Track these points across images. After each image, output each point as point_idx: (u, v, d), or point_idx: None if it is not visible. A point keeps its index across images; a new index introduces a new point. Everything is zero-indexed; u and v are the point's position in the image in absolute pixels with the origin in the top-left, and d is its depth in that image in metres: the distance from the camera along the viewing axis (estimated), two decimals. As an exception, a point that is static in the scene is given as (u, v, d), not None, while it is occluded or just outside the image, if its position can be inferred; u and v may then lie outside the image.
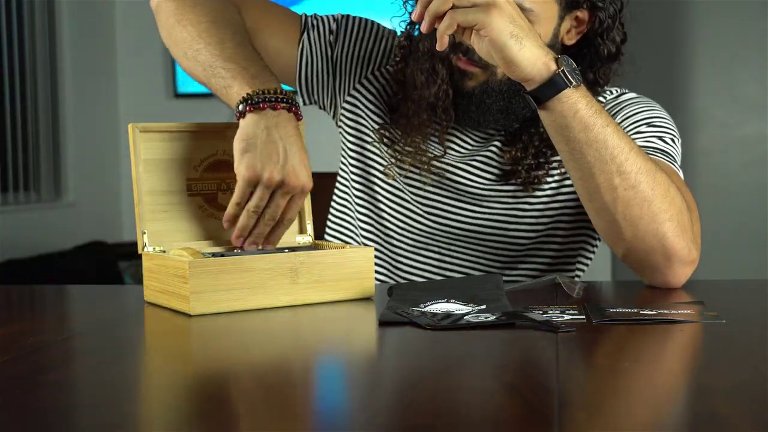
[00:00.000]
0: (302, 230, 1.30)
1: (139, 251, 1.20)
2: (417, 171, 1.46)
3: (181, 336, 1.05)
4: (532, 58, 1.16)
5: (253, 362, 0.91)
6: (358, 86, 1.52)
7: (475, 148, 1.47)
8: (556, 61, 1.17)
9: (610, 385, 0.79)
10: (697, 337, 0.97)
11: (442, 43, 1.16)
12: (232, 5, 1.43)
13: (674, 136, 1.43)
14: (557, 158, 1.43)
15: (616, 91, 1.51)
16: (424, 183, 1.46)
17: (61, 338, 1.03)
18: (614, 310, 1.06)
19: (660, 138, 1.41)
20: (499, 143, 1.46)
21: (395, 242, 1.49)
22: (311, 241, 1.29)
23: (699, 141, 4.69)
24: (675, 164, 1.39)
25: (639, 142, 1.36)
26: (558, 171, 1.45)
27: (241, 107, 1.21)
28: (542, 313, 1.04)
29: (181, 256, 1.14)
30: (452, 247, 1.47)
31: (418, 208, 1.47)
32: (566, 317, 1.02)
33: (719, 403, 0.71)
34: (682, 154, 1.45)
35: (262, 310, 1.12)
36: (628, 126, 1.42)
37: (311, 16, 1.52)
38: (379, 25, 1.55)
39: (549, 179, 1.45)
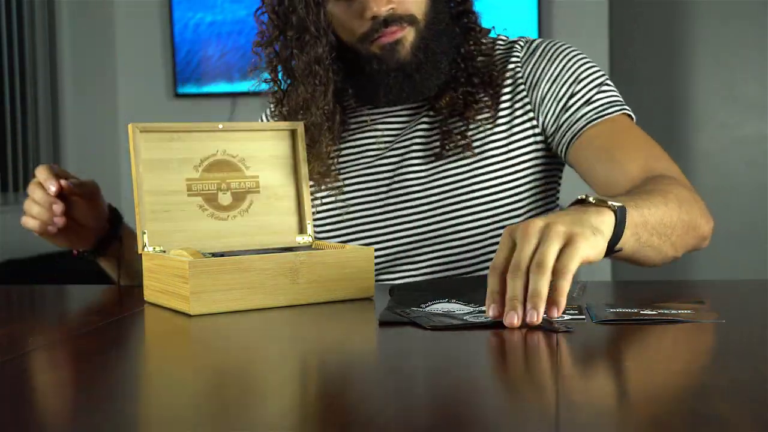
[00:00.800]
0: (302, 230, 1.30)
1: (139, 251, 1.20)
2: (360, 196, 1.47)
3: (181, 336, 1.05)
4: (605, 228, 1.06)
5: (253, 362, 0.91)
6: None
7: (404, 126, 1.48)
8: (609, 208, 1.09)
9: (610, 385, 0.79)
10: (697, 337, 0.97)
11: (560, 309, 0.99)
12: None
13: (605, 77, 1.46)
14: (487, 100, 1.45)
15: (525, 42, 1.51)
16: (372, 202, 1.46)
17: (61, 338, 1.03)
18: (614, 310, 1.06)
19: (599, 90, 1.43)
20: (427, 118, 1.47)
21: None
22: (311, 241, 1.30)
23: (699, 141, 4.69)
24: (626, 109, 1.42)
25: (584, 107, 1.40)
26: (503, 127, 1.46)
27: None
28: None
29: (181, 256, 1.14)
30: (422, 257, 1.46)
31: (374, 236, 1.47)
32: (566, 317, 1.02)
33: (719, 403, 0.71)
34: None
35: (262, 310, 1.12)
36: (560, 90, 1.43)
37: None
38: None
39: (496, 137, 1.45)
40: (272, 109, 1.53)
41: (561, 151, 1.45)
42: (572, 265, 0.98)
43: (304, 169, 1.30)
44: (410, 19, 1.38)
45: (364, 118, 1.50)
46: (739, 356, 0.88)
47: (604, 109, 1.41)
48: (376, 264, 1.47)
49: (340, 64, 1.43)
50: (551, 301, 0.97)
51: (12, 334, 1.06)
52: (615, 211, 1.08)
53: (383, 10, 1.35)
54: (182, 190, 1.24)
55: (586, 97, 1.42)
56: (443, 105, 1.44)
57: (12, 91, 3.99)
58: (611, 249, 1.08)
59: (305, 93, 1.42)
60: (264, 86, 1.51)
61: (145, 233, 1.20)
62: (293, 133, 1.31)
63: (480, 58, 1.47)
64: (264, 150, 1.29)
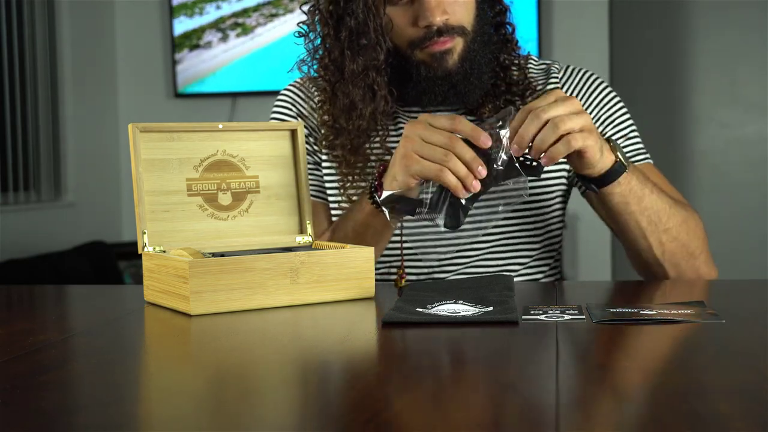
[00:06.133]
0: (302, 230, 1.30)
1: (139, 251, 1.20)
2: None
3: (181, 336, 1.05)
4: (606, 158, 1.25)
5: (253, 362, 0.91)
6: (321, 155, 1.54)
7: None
8: (612, 149, 1.26)
9: (610, 385, 0.79)
10: (697, 337, 0.97)
11: (557, 156, 1.19)
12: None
13: (630, 120, 1.53)
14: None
15: (560, 66, 1.56)
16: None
17: (61, 338, 1.03)
18: (614, 310, 1.06)
19: (631, 136, 1.51)
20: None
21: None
22: (311, 241, 1.30)
23: (699, 141, 4.69)
24: (649, 158, 1.49)
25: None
26: None
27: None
28: (542, 313, 1.04)
29: (181, 256, 1.14)
30: (453, 251, 1.47)
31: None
32: (566, 317, 1.02)
33: (719, 403, 0.71)
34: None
35: (262, 310, 1.12)
36: (598, 127, 1.49)
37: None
38: (279, 100, 1.58)
39: None
40: (314, 103, 1.53)
41: (582, 185, 1.49)
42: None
43: (304, 169, 1.30)
44: (461, 31, 1.40)
45: (401, 119, 1.50)
46: (739, 356, 0.88)
47: (636, 154, 1.49)
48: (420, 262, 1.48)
49: (388, 69, 1.43)
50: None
51: (12, 334, 1.06)
52: (616, 159, 1.26)
53: (438, 19, 1.37)
54: (182, 190, 1.24)
55: (621, 141, 1.50)
56: (486, 112, 1.47)
57: (12, 91, 3.99)
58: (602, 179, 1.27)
59: (355, 95, 1.42)
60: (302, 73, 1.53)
61: (145, 233, 1.20)
62: (293, 133, 1.31)
63: (515, 70, 1.50)
64: (264, 150, 1.29)
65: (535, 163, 1.21)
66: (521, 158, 1.21)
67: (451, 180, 1.19)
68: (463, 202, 1.20)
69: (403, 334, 0.99)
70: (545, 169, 1.49)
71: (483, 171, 1.19)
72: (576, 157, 1.23)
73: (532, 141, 1.18)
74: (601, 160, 1.24)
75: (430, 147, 1.20)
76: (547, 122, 1.17)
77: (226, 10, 4.38)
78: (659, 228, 1.34)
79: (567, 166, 1.51)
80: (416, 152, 1.21)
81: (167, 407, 0.76)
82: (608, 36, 4.16)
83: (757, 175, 4.68)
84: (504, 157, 1.20)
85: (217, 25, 4.40)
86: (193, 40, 4.41)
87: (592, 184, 1.29)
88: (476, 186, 1.19)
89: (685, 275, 1.38)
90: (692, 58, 4.73)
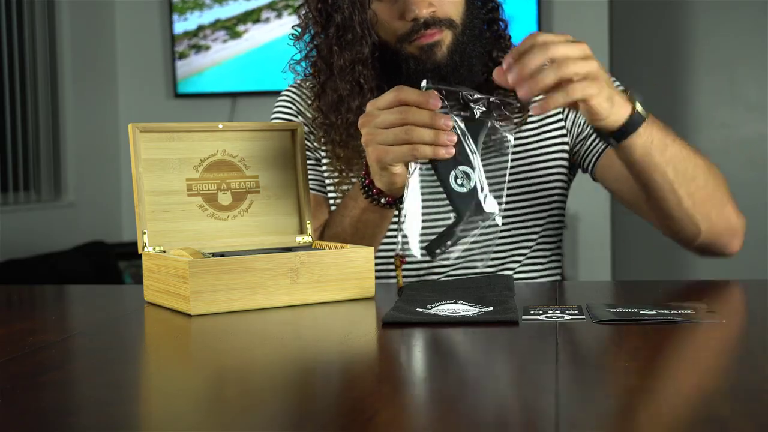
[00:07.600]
0: (302, 230, 1.30)
1: (139, 251, 1.20)
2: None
3: (181, 336, 1.05)
4: (620, 109, 1.20)
5: (253, 363, 0.91)
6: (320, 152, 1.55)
7: None
8: (629, 99, 1.22)
9: (610, 385, 0.79)
10: (697, 337, 0.97)
11: (553, 104, 1.14)
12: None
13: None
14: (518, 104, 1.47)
15: None
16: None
17: (61, 338, 1.03)
18: (614, 310, 1.06)
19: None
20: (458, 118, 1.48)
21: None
22: (311, 241, 1.30)
23: (699, 141, 4.68)
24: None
25: None
26: (533, 125, 1.51)
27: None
28: (542, 313, 1.04)
29: (181, 256, 1.14)
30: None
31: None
32: (566, 317, 1.02)
33: (719, 403, 0.71)
34: None
35: (262, 310, 1.12)
36: None
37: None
38: (279, 100, 1.60)
39: (524, 135, 1.51)
40: (310, 102, 1.54)
41: (591, 160, 1.49)
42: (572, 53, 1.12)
43: (303, 169, 1.30)
44: (449, 23, 1.40)
45: None
46: (739, 356, 0.88)
47: None
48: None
49: (377, 63, 1.43)
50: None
51: (12, 334, 1.06)
52: (633, 110, 1.21)
53: (424, 12, 1.37)
54: (182, 190, 1.24)
55: None
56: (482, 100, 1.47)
57: (12, 91, 3.99)
58: (621, 133, 1.21)
59: (343, 90, 1.43)
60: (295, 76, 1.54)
61: (145, 233, 1.20)
62: (293, 133, 1.31)
63: None
64: (264, 150, 1.29)
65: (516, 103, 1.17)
66: (497, 101, 1.17)
67: (426, 151, 1.15)
68: (455, 186, 1.17)
69: (403, 334, 0.99)
70: (543, 151, 1.50)
71: (448, 122, 1.14)
72: (582, 108, 1.18)
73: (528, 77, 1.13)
74: (613, 110, 1.19)
75: (388, 132, 1.17)
76: (552, 61, 1.12)
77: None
78: (687, 177, 1.29)
79: (567, 147, 1.51)
80: (380, 143, 1.19)
81: (167, 407, 0.76)
82: (608, 36, 4.16)
83: (757, 175, 4.68)
84: (478, 111, 1.16)
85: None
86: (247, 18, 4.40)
87: (611, 138, 1.23)
88: (452, 138, 1.14)
89: (716, 227, 1.36)
90: (692, 58, 4.73)
